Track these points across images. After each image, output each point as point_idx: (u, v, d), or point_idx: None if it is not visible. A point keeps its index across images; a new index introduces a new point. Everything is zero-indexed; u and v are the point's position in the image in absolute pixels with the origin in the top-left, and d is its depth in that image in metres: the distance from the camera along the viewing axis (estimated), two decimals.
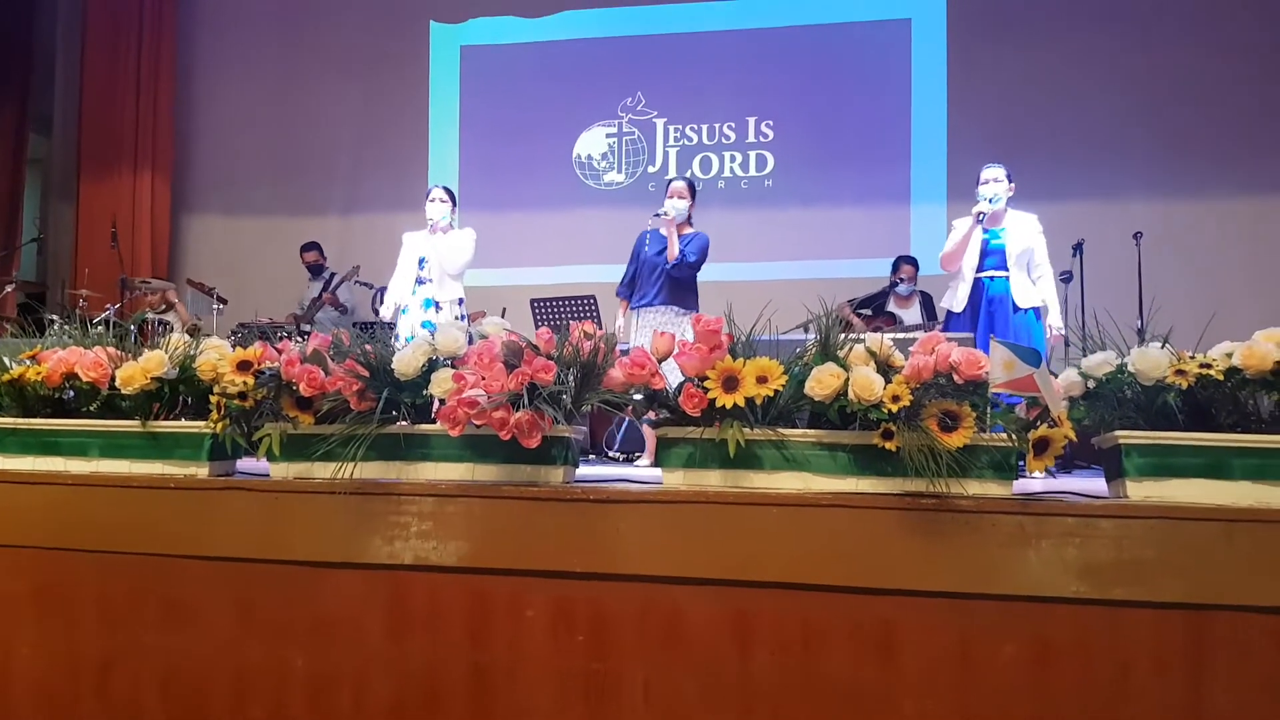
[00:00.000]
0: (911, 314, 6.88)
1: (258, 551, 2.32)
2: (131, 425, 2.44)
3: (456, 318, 5.46)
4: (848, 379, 2.06)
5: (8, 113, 8.79)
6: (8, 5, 8.77)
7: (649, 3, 8.41)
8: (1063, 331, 4.88)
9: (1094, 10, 7.66)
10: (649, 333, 5.15)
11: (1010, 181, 4.89)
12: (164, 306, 7.69)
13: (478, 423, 2.14)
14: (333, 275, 7.59)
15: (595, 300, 6.43)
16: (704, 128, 8.39)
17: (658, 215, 5.22)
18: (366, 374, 2.26)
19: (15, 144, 8.85)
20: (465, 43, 8.75)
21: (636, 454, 5.88)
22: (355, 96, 8.82)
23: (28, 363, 2.54)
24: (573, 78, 8.52)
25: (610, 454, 6.20)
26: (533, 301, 6.55)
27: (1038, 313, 4.76)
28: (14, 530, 2.47)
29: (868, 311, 6.99)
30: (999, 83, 7.76)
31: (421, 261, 5.43)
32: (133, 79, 8.95)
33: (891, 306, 6.96)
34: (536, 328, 6.43)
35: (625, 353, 2.33)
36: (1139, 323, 6.13)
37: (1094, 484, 2.22)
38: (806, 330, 6.80)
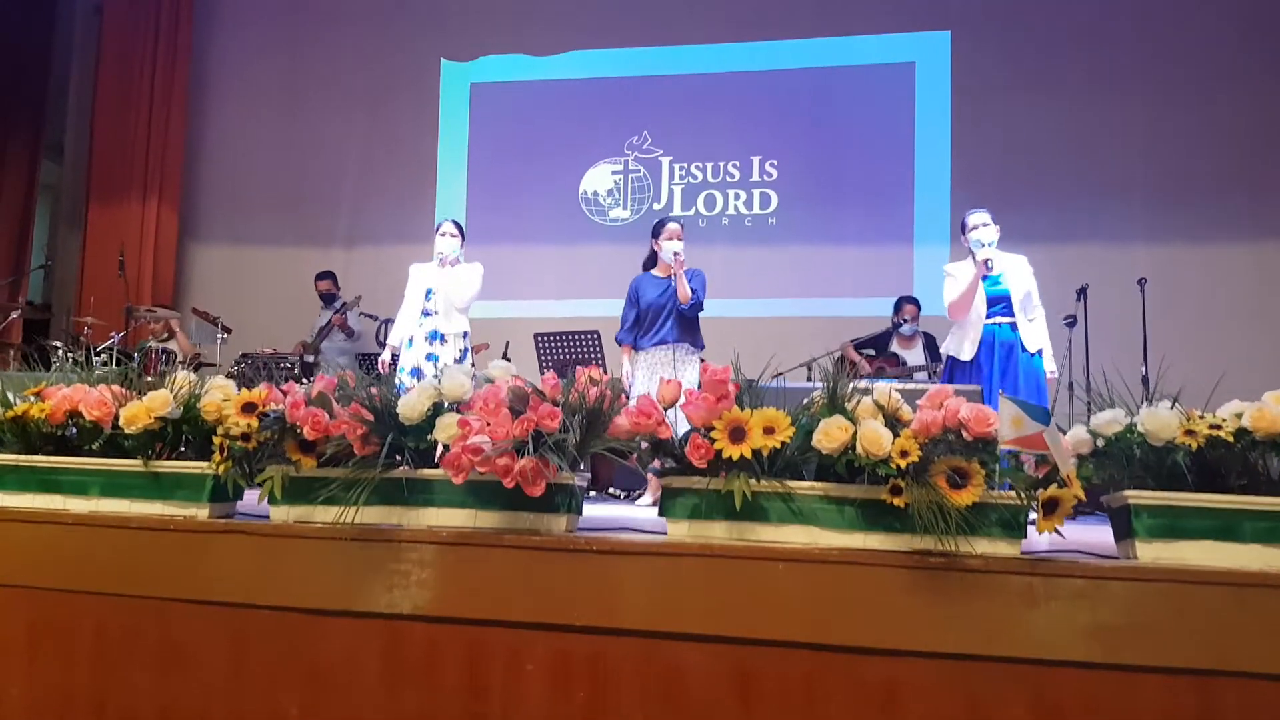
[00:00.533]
0: (915, 354, 6.88)
1: (255, 596, 2.30)
2: (134, 464, 2.43)
3: (461, 350, 5.46)
4: (856, 432, 2.04)
5: (21, 139, 8.87)
6: (24, 33, 8.86)
7: (656, 44, 8.48)
8: (1055, 374, 4.89)
9: (1097, 56, 7.72)
10: (658, 368, 5.13)
11: (994, 223, 4.89)
12: (166, 335, 7.70)
13: (482, 470, 2.12)
14: (344, 305, 7.62)
15: (599, 336, 6.42)
16: (708, 166, 8.44)
17: (677, 256, 5.19)
18: (371, 418, 2.25)
19: (29, 170, 8.92)
20: (475, 80, 8.82)
21: (637, 491, 5.85)
22: (364, 129, 8.89)
23: (32, 399, 2.52)
24: (580, 115, 8.58)
25: (610, 491, 6.17)
26: (537, 336, 6.55)
27: (1040, 354, 4.77)
28: (10, 569, 2.45)
29: (871, 351, 6.99)
30: (1002, 126, 7.81)
31: (428, 293, 5.45)
32: (144, 107, 9.03)
33: (894, 347, 6.97)
34: (540, 362, 6.48)
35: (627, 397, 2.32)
36: (1143, 369, 6.17)
37: (1101, 536, 2.19)
38: (810, 370, 6.80)
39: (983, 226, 4.80)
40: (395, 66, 8.90)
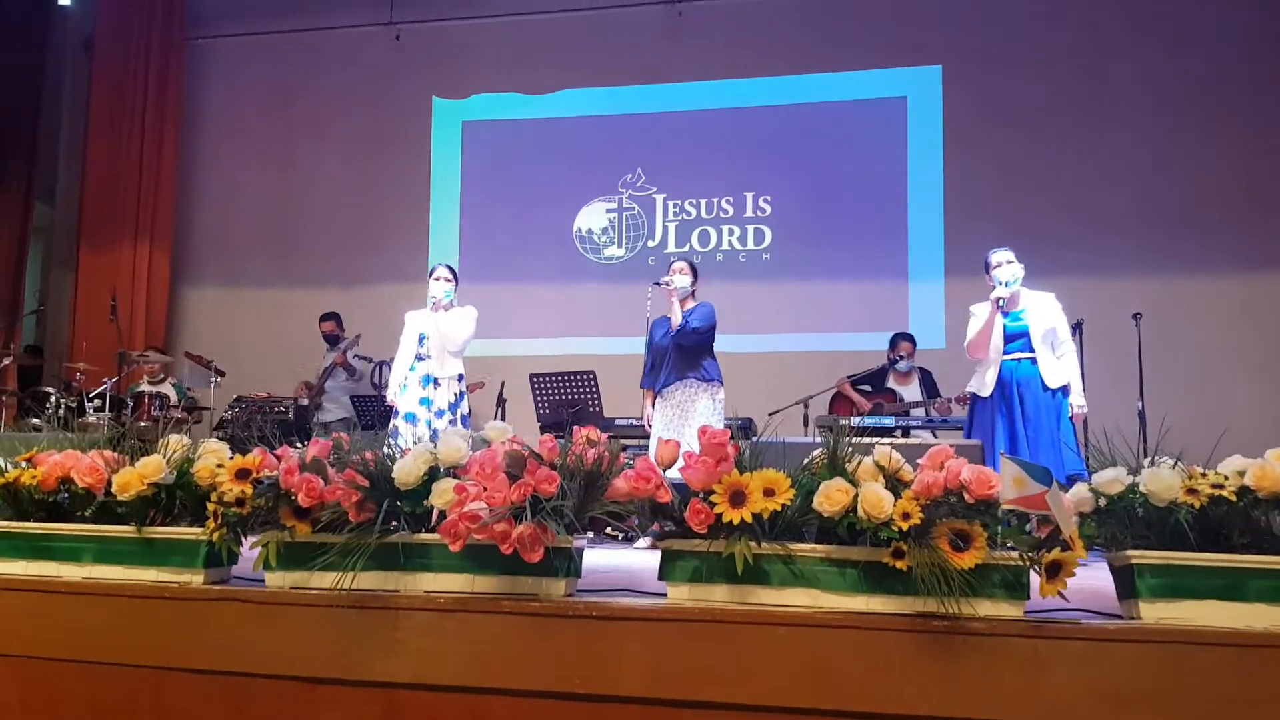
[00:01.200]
0: (911, 390, 6.88)
1: (251, 665, 2.27)
2: (127, 531, 2.40)
3: (456, 394, 5.45)
4: (857, 495, 2.03)
5: (14, 182, 8.88)
6: (14, 73, 8.89)
7: (649, 82, 8.54)
8: (1084, 409, 4.87)
9: (1088, 89, 7.78)
10: (669, 412, 5.12)
11: (1019, 263, 4.92)
12: (162, 376, 7.68)
13: (479, 537, 2.10)
14: (345, 345, 7.61)
15: (594, 376, 6.42)
16: (702, 202, 8.48)
17: (659, 284, 5.24)
18: (366, 484, 2.23)
19: (22, 214, 8.93)
20: (467, 118, 8.87)
21: (634, 534, 5.81)
22: (357, 169, 8.92)
23: (23, 465, 2.50)
24: (574, 154, 8.63)
25: (608, 531, 6.13)
26: (532, 377, 6.54)
27: (1065, 390, 4.76)
28: (3, 638, 2.41)
29: (867, 388, 6.99)
30: (994, 160, 7.86)
31: (421, 338, 5.44)
32: (136, 150, 9.06)
33: (891, 383, 6.97)
34: (536, 403, 6.46)
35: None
36: (1139, 404, 6.17)
37: (1103, 585, 2.17)
38: (806, 407, 6.79)
39: (1006, 264, 4.84)
40: (387, 105, 8.95)
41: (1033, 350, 4.78)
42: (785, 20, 8.33)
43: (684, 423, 5.02)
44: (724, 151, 8.44)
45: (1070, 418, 4.72)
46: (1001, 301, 4.78)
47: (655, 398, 5.25)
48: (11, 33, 8.83)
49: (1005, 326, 4.82)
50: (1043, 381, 4.74)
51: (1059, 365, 4.78)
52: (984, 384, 4.84)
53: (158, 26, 9.16)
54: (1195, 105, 7.55)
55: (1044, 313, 4.83)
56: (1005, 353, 4.80)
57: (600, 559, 3.68)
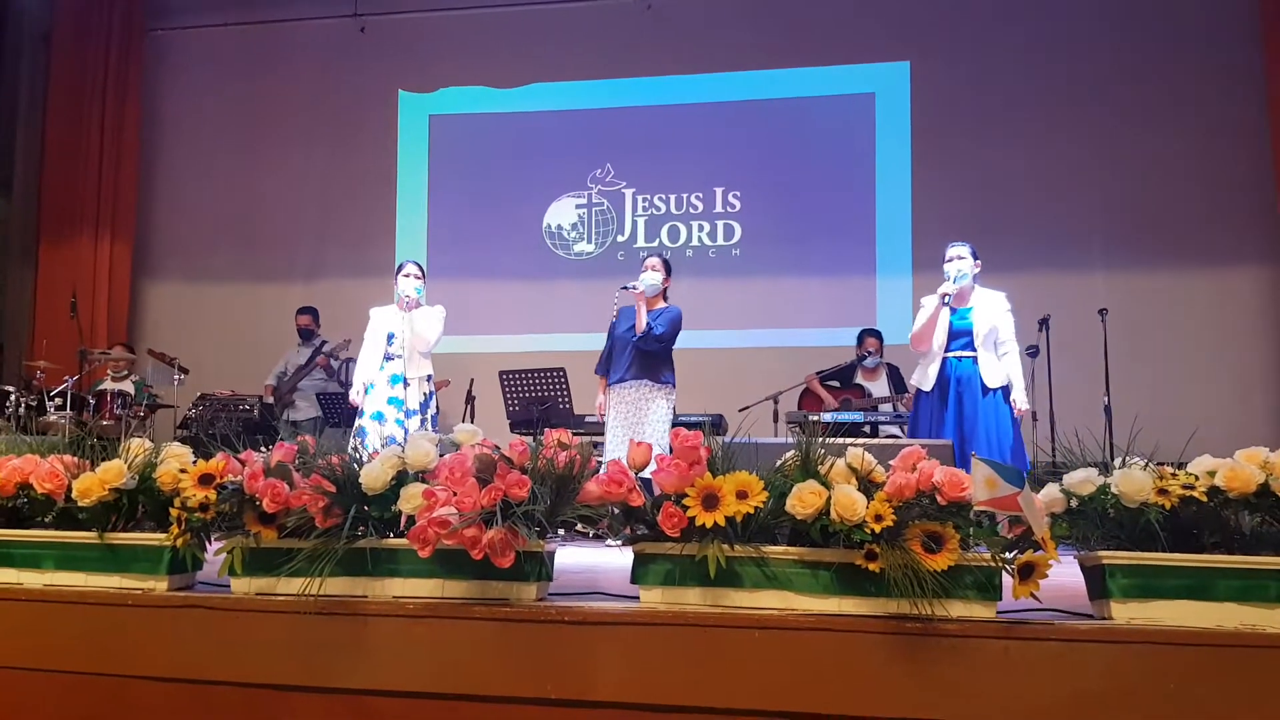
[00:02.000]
0: (879, 386, 6.91)
1: (219, 672, 2.23)
2: (88, 537, 2.35)
3: (425, 394, 5.40)
4: (829, 497, 2.02)
5: None
6: None
7: (618, 76, 8.50)
8: (1028, 407, 4.91)
9: (1055, 85, 7.84)
10: (624, 409, 5.11)
11: (976, 259, 4.94)
12: (125, 372, 7.56)
13: (449, 542, 2.07)
14: (323, 343, 7.49)
15: (565, 373, 6.38)
16: (672, 197, 8.45)
17: (626, 288, 5.21)
18: (333, 489, 2.19)
19: None
20: (434, 112, 8.78)
21: (604, 532, 5.79)
22: (321, 163, 8.81)
23: None
24: (542, 149, 8.57)
25: (578, 529, 6.11)
26: (502, 374, 6.50)
27: (1006, 391, 4.78)
28: None
29: (836, 383, 7.01)
30: (961, 156, 7.90)
31: (390, 337, 5.37)
32: (95, 143, 8.88)
33: (859, 378, 6.99)
34: (506, 401, 6.42)
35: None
36: (1105, 398, 6.24)
37: (1074, 582, 2.17)
38: (776, 403, 6.78)
39: (957, 259, 4.86)
40: (353, 98, 8.84)
41: (974, 349, 4.80)
42: (755, 15, 8.33)
43: (639, 423, 5.04)
44: (694, 147, 8.42)
45: (1013, 418, 4.75)
46: (948, 297, 4.80)
47: (607, 387, 5.25)
48: None
49: (951, 323, 4.84)
50: (982, 381, 4.76)
51: (999, 365, 4.80)
52: (925, 377, 4.86)
53: (118, 17, 8.98)
54: (1162, 102, 7.62)
55: (989, 311, 4.85)
56: (948, 349, 4.82)
57: (571, 558, 3.65)
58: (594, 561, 3.74)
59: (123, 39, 8.99)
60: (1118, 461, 2.13)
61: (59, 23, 9.10)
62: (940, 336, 4.82)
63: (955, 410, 4.74)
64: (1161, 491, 2.02)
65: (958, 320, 4.85)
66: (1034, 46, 7.91)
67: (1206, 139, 7.52)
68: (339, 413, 6.88)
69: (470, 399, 7.25)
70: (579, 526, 5.79)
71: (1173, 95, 7.62)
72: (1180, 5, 7.67)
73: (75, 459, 2.41)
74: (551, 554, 2.30)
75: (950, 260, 4.89)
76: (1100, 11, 7.81)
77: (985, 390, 4.72)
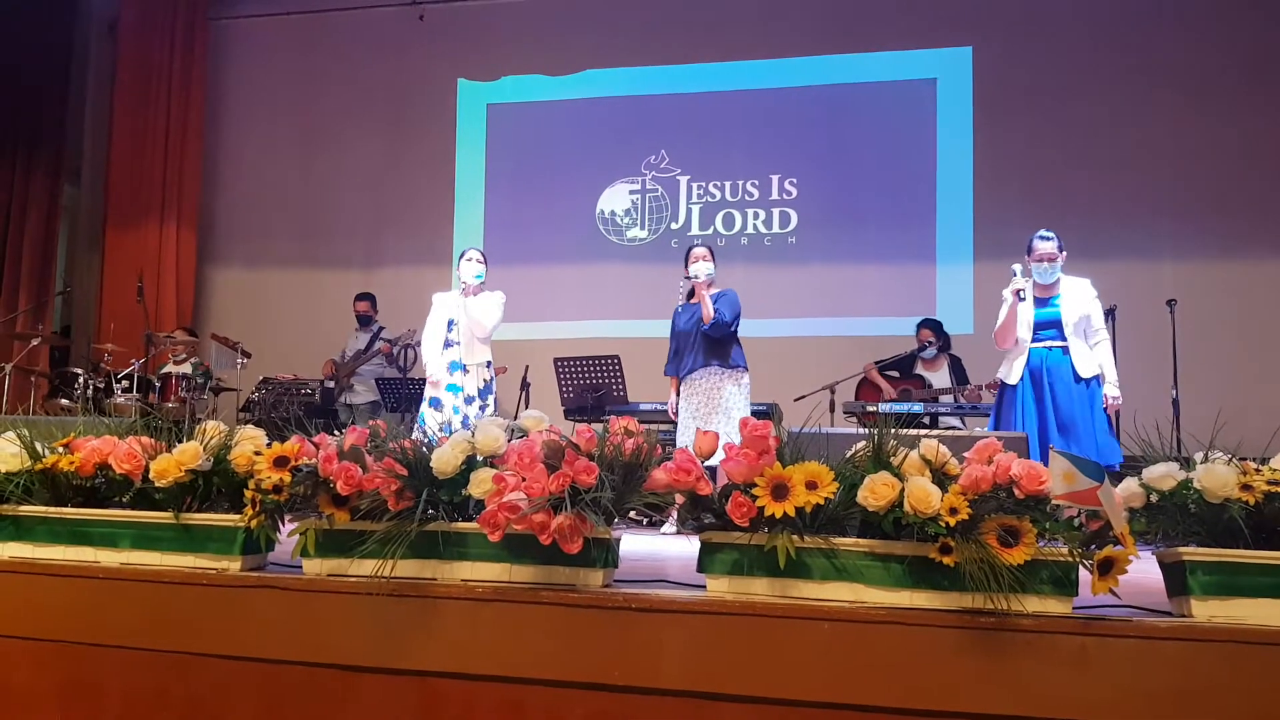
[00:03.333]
0: (940, 377, 6.82)
1: (288, 652, 2.26)
2: (164, 517, 2.40)
3: (485, 381, 5.44)
4: (903, 489, 2.00)
5: (42, 165, 8.93)
6: (42, 60, 8.91)
7: (673, 62, 8.47)
8: (1119, 400, 4.79)
9: (1122, 67, 7.65)
10: (697, 399, 5.12)
11: (1061, 250, 4.83)
12: (185, 355, 7.71)
13: (518, 527, 2.08)
14: (381, 329, 7.60)
15: (619, 360, 6.39)
16: (726, 184, 8.41)
17: (687, 279, 5.22)
18: (405, 473, 2.21)
19: (50, 196, 8.96)
20: (492, 100, 8.82)
21: (661, 519, 5.80)
22: (381, 151, 8.90)
23: (60, 450, 2.50)
24: (597, 135, 8.57)
25: (631, 516, 6.12)
26: (556, 361, 6.52)
27: (1099, 380, 4.69)
28: (41, 623, 2.42)
29: (895, 373, 6.93)
30: (1025, 143, 7.75)
31: (450, 324, 5.43)
32: (161, 131, 9.07)
33: (919, 369, 6.90)
34: (560, 387, 6.44)
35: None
36: (1174, 392, 6.09)
37: (1153, 580, 2.13)
38: (833, 392, 6.74)
39: (1046, 259, 4.74)
40: (412, 87, 8.91)
41: (1065, 339, 4.70)
42: (812, 0, 8.23)
43: (711, 411, 5.03)
44: (749, 133, 8.36)
45: (1105, 408, 4.65)
46: (1022, 294, 4.71)
47: (679, 384, 5.24)
48: (36, 16, 8.84)
49: (1036, 314, 4.75)
50: (1075, 371, 4.66)
51: (1091, 354, 4.70)
52: (1011, 371, 4.77)
53: (182, 7, 9.15)
54: (1233, 83, 7.40)
55: (1078, 300, 4.75)
56: (1035, 340, 4.73)
57: (629, 546, 3.66)
58: (650, 549, 3.75)
59: (186, 29, 9.17)
60: (1199, 456, 2.07)
61: (125, 14, 9.30)
62: (1023, 331, 4.74)
63: (1049, 401, 4.64)
64: (1245, 487, 1.96)
65: (1045, 311, 4.75)
66: (1098, 28, 7.73)
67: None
68: (397, 397, 6.96)
69: (525, 385, 7.29)
70: (632, 514, 5.83)
71: (1244, 76, 7.39)
72: None
73: (152, 440, 2.46)
74: (618, 541, 2.30)
75: (1040, 258, 4.75)
76: None
77: (1078, 379, 4.63)
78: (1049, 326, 4.71)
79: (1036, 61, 7.82)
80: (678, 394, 5.26)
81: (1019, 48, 7.87)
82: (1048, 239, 4.80)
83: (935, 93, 8.07)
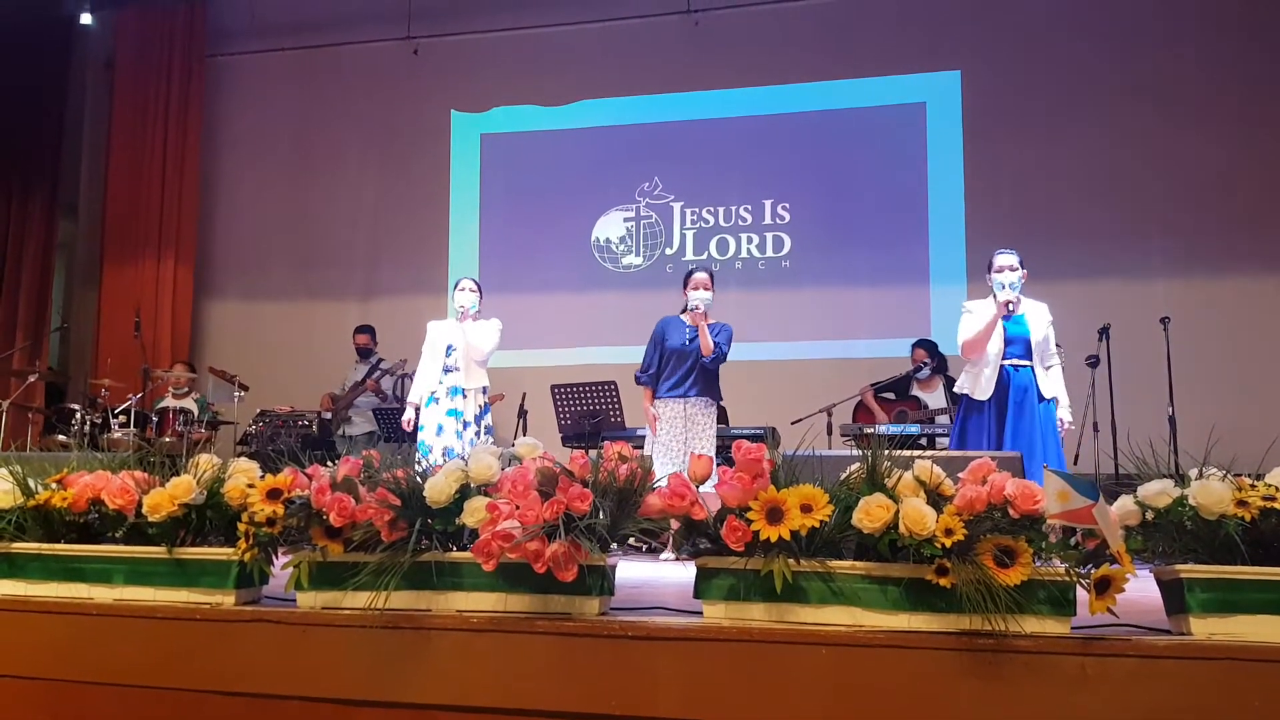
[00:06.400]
0: (935, 397, 6.82)
1: (284, 686, 2.25)
2: (158, 552, 2.39)
3: (481, 406, 5.46)
4: (898, 511, 1.99)
5: (39, 200, 8.96)
6: (40, 95, 8.96)
7: (665, 90, 8.53)
8: (1072, 424, 4.84)
9: (1109, 90, 7.70)
10: (678, 423, 5.13)
11: (1023, 267, 4.85)
12: (185, 389, 7.71)
13: (512, 556, 2.08)
14: (379, 360, 7.62)
15: (616, 386, 6.38)
16: (720, 210, 8.44)
17: (694, 309, 5.20)
18: (398, 503, 2.20)
19: (47, 230, 8.99)
20: (485, 130, 8.87)
21: (658, 545, 5.78)
22: (375, 183, 8.95)
23: (54, 486, 2.49)
24: (590, 163, 8.62)
25: (630, 544, 6.09)
26: (554, 388, 6.52)
27: (1054, 402, 4.72)
28: (34, 661, 2.40)
29: (891, 395, 6.93)
30: (1015, 165, 7.80)
31: (449, 349, 5.47)
32: (158, 166, 9.10)
33: (915, 390, 6.90)
34: (558, 414, 6.44)
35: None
36: (1169, 409, 6.09)
37: (1150, 598, 2.11)
38: (830, 415, 6.72)
39: (1008, 270, 4.75)
40: (406, 119, 8.96)
41: (1031, 359, 4.72)
42: (802, 27, 8.30)
43: (689, 436, 5.09)
44: (742, 159, 8.41)
45: (1060, 431, 4.68)
46: (1012, 305, 4.72)
47: (654, 396, 5.25)
48: (34, 52, 8.91)
49: (1007, 329, 4.75)
50: (1039, 391, 4.69)
51: (1049, 376, 4.74)
52: (979, 385, 4.71)
53: (178, 44, 9.21)
54: (1220, 103, 7.45)
55: (1040, 322, 4.78)
56: (1005, 356, 4.72)
57: (627, 572, 3.65)
58: (648, 575, 3.73)
59: (183, 65, 9.22)
60: (1194, 472, 2.07)
61: (121, 50, 9.36)
62: (996, 344, 4.74)
63: (1014, 420, 4.64)
64: (1241, 503, 1.96)
65: (1014, 327, 4.76)
66: (1085, 51, 7.79)
67: (1267, 141, 7.33)
68: (394, 428, 6.95)
69: (522, 413, 7.28)
70: (631, 541, 5.82)
71: (1230, 97, 7.44)
72: (1235, 5, 7.50)
73: (145, 475, 2.46)
74: (613, 568, 2.29)
75: (1002, 270, 4.78)
76: (1153, 12, 7.67)
77: (1040, 399, 4.66)
78: (1016, 343, 4.71)
79: (1024, 84, 7.88)
80: (652, 403, 5.27)
81: (1007, 71, 7.93)
82: (1009, 253, 4.82)
83: (925, 116, 8.12)
